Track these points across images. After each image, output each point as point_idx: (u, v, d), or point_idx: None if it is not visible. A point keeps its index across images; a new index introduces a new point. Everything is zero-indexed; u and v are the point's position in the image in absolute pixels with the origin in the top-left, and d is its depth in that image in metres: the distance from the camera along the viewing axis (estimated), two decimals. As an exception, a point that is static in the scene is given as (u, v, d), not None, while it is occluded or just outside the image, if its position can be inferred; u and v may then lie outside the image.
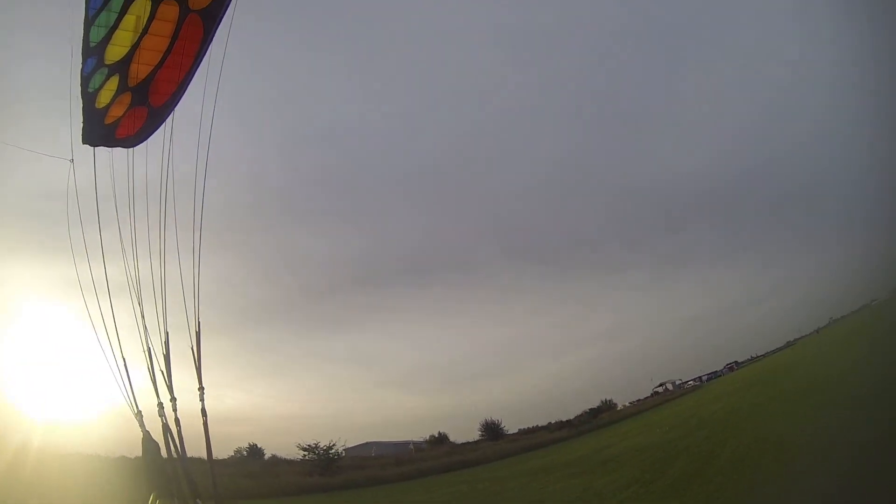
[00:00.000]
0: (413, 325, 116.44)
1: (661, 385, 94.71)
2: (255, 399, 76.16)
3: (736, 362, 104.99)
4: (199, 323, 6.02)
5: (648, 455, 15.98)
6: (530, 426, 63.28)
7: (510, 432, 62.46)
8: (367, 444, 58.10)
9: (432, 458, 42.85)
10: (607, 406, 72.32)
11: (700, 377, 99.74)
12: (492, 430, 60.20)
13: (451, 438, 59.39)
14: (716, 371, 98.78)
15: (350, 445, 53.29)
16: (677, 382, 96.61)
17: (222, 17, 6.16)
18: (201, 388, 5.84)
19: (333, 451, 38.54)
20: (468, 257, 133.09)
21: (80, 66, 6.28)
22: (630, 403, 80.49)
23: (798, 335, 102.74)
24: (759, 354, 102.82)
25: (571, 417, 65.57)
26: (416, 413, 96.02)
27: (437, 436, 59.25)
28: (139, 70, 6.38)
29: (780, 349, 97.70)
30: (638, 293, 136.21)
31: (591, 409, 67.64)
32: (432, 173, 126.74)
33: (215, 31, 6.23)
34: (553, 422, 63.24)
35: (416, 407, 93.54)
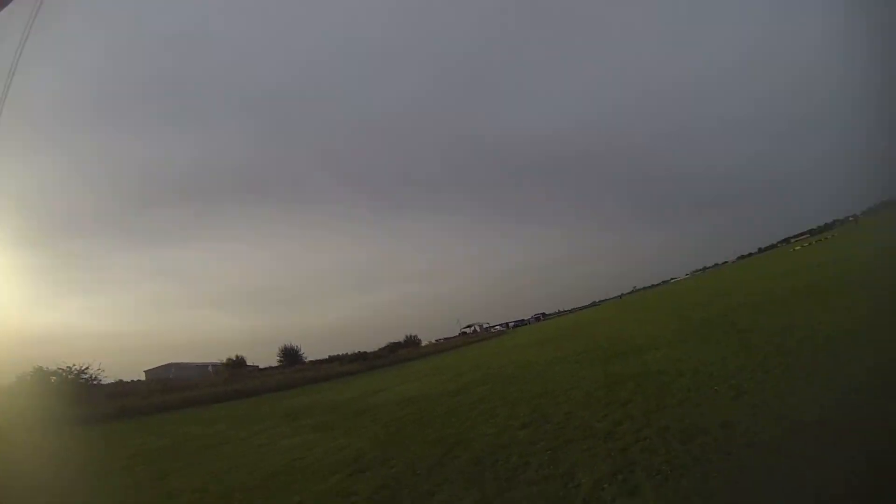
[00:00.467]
0: (238, 243, 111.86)
1: (468, 326, 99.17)
2: (66, 317, 67.88)
3: (543, 314, 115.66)
4: None
5: (403, 410, 13.54)
6: (331, 355, 61.00)
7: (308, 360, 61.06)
8: (168, 365, 55.85)
9: (212, 384, 39.08)
10: (412, 341, 72.73)
11: (507, 323, 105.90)
12: (290, 355, 60.03)
13: (251, 362, 57.59)
14: (523, 319, 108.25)
15: (151, 367, 54.33)
16: (485, 325, 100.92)
17: None
18: None
19: (87, 375, 33.36)
20: (302, 181, 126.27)
21: None
22: (436, 340, 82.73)
23: (604, 297, 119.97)
24: (566, 310, 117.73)
25: (373, 350, 64.70)
26: (233, 335, 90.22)
27: (234, 359, 56.50)
28: None
29: (585, 307, 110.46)
30: (463, 239, 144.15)
31: (392, 343, 67.92)
32: (275, 94, 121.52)
33: None
34: (351, 353, 61.35)
35: (232, 328, 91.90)
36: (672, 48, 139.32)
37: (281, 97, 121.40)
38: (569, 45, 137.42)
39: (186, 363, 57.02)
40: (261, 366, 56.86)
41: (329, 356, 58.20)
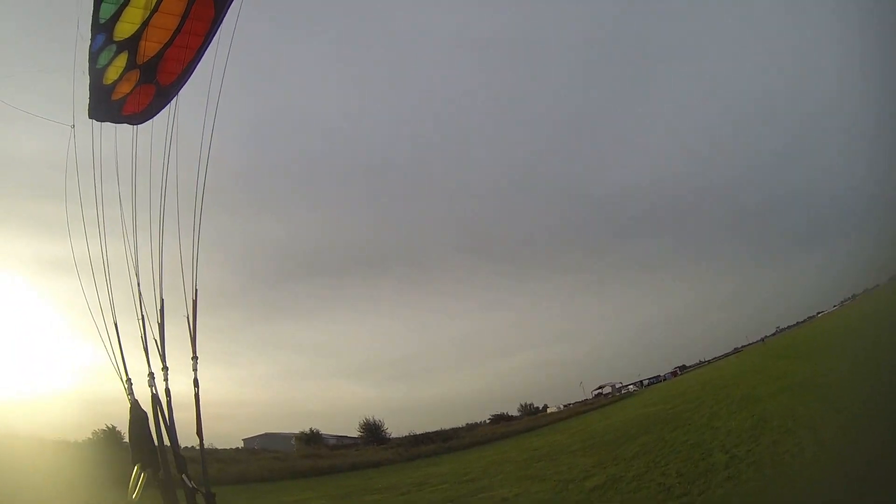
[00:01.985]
0: (367, 316, 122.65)
1: (600, 388, 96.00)
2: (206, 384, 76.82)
3: (681, 367, 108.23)
4: (196, 290, 6.19)
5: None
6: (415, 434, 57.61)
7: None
8: (264, 435, 57.33)
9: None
10: (528, 410, 74.78)
11: (641, 381, 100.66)
12: (371, 430, 57.26)
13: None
14: (658, 375, 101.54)
15: (249, 436, 55.56)
16: (617, 385, 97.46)
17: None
18: (195, 358, 6.00)
19: None
20: (425, 253, 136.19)
21: (90, 42, 6.30)
22: (563, 406, 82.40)
23: (746, 342, 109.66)
24: (706, 360, 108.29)
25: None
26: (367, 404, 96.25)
27: (308, 432, 55.43)
28: (148, 48, 6.46)
29: (727, 355, 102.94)
30: (589, 297, 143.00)
31: (496, 416, 69.11)
32: (394, 168, 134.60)
33: (226, 13, 6.42)
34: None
35: (368, 398, 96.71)
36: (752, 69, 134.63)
37: (394, 168, 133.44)
38: (656, 92, 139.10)
39: (278, 433, 57.66)
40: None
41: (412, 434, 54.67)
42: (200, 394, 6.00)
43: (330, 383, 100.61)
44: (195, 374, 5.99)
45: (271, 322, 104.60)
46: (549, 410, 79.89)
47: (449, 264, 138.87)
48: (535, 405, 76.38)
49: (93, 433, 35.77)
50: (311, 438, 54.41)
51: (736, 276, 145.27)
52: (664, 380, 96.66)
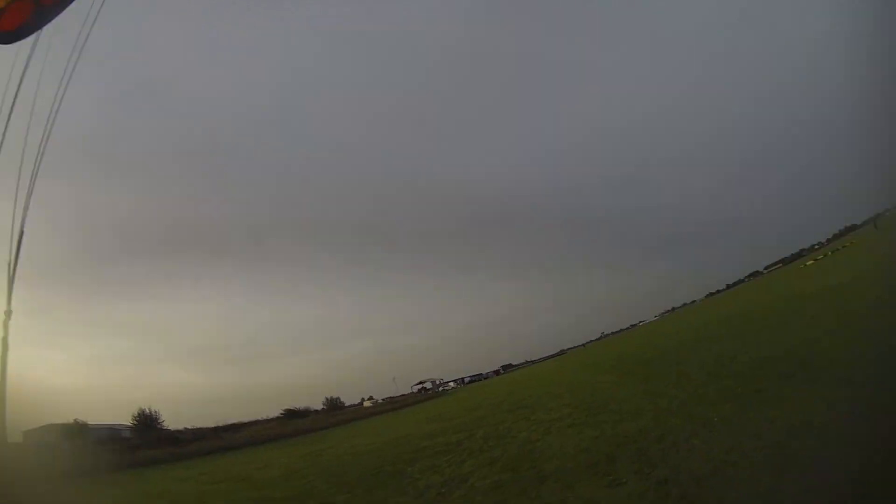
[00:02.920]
0: (205, 298, 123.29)
1: (420, 383, 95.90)
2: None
3: (507, 366, 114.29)
4: (21, 232, 5.61)
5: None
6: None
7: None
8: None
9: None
10: (334, 404, 71.56)
11: (462, 379, 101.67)
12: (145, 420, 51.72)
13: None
14: (480, 373, 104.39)
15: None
16: (437, 382, 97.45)
17: None
18: (9, 312, 5.27)
19: None
20: (261, 236, 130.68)
21: None
22: (381, 400, 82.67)
23: (570, 345, 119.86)
24: (534, 359, 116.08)
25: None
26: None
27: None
28: None
29: (552, 356, 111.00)
30: (429, 294, 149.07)
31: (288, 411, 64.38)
32: (236, 148, 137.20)
33: None
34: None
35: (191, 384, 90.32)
36: (621, 87, 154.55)
37: (235, 151, 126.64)
38: (516, 90, 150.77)
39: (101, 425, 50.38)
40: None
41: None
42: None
43: (157, 368, 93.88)
44: (4, 333, 5.25)
45: (98, 301, 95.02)
46: (364, 404, 79.46)
47: (290, 248, 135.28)
48: (341, 399, 73.61)
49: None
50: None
51: (568, 281, 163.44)
52: (486, 378, 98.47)
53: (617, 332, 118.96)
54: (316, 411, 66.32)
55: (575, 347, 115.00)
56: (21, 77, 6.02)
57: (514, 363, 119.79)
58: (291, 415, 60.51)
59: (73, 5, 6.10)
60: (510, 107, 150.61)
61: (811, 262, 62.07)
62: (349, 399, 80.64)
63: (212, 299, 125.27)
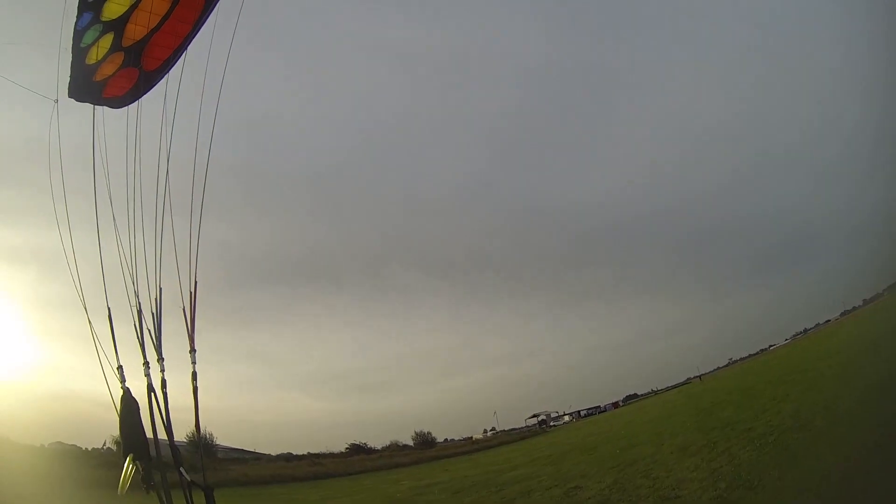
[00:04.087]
0: (319, 329, 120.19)
1: (534, 416, 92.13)
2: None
3: (631, 396, 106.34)
4: (195, 282, 6.12)
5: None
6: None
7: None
8: None
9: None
10: (425, 439, 67.33)
11: (579, 411, 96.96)
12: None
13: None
14: (598, 406, 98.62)
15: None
16: (553, 415, 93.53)
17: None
18: (193, 350, 5.92)
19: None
20: (376, 269, 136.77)
21: (76, 19, 6.21)
22: (489, 433, 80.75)
23: (696, 373, 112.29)
24: (658, 389, 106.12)
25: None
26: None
27: None
28: (135, 31, 6.44)
29: (679, 385, 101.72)
30: (538, 321, 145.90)
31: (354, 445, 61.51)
32: (345, 179, 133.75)
33: (217, 1, 6.50)
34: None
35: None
36: (719, 83, 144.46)
37: (352, 180, 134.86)
38: (612, 103, 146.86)
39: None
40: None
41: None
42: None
43: (278, 394, 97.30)
44: (194, 368, 5.90)
45: (222, 329, 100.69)
46: (474, 438, 76.33)
47: (402, 280, 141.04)
48: (431, 434, 68.70)
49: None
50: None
51: (686, 304, 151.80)
52: (604, 410, 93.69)
53: (745, 357, 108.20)
54: (405, 446, 63.44)
55: (701, 375, 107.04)
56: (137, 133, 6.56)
57: (638, 393, 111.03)
58: (356, 450, 57.72)
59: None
60: (607, 121, 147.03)
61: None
62: (465, 432, 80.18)
63: (330, 328, 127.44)
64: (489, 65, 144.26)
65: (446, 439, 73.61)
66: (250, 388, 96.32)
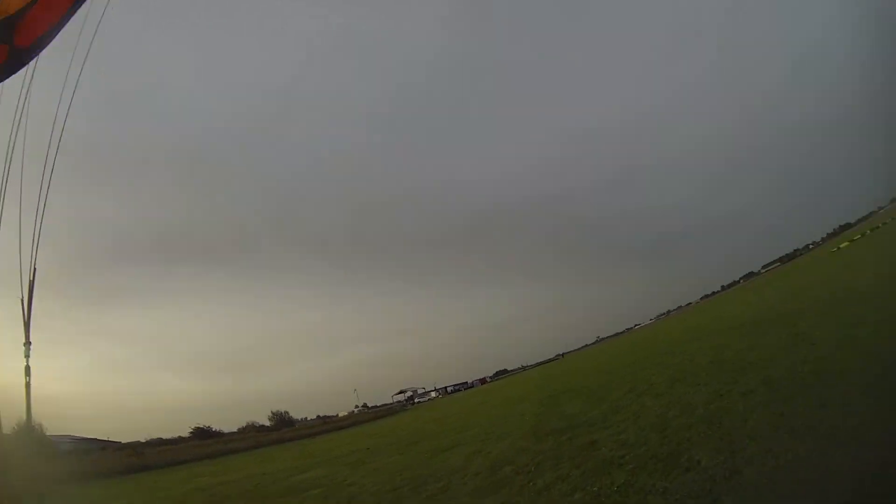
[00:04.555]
0: (196, 305, 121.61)
1: (401, 392, 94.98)
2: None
3: (497, 373, 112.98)
4: (34, 269, 5.66)
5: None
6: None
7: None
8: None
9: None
10: (284, 420, 66.48)
11: (446, 388, 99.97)
12: None
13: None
14: (465, 382, 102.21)
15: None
16: (420, 391, 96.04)
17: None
18: (28, 343, 5.40)
19: None
20: (249, 245, 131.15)
21: None
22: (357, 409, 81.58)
23: (567, 349, 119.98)
24: (528, 365, 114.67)
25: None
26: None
27: None
28: (7, 4, 5.68)
29: (550, 360, 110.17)
30: (414, 301, 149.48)
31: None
32: (220, 156, 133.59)
33: None
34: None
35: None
36: (607, 90, 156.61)
37: (229, 158, 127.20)
38: (507, 97, 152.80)
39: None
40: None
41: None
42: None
43: (154, 376, 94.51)
44: (27, 361, 5.35)
45: (93, 308, 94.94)
46: (339, 415, 76.75)
47: (272, 259, 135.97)
48: (289, 414, 67.98)
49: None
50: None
51: (566, 286, 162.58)
52: (471, 386, 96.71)
53: (613, 335, 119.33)
54: (262, 427, 61.37)
55: (563, 354, 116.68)
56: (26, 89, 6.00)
57: (509, 369, 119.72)
58: (200, 434, 53.64)
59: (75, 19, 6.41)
60: (499, 113, 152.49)
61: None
62: (337, 409, 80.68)
63: (204, 307, 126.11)
64: (381, 49, 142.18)
65: (304, 418, 73.24)
66: (116, 370, 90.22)
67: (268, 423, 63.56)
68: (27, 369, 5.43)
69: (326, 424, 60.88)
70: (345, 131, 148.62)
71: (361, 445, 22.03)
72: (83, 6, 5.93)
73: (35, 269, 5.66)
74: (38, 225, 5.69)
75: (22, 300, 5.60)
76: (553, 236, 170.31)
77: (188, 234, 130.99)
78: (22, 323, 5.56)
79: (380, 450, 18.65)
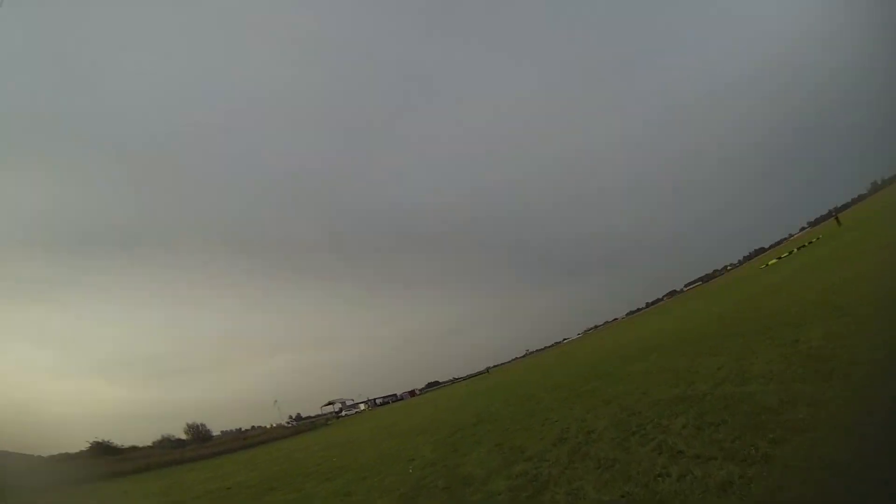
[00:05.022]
0: (110, 304, 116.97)
1: (329, 403, 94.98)
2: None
3: (429, 385, 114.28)
4: None
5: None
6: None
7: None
8: None
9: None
10: (200, 433, 62.46)
11: (374, 400, 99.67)
12: None
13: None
14: (395, 394, 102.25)
15: None
16: (349, 402, 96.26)
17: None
18: None
19: None
20: (178, 241, 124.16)
21: None
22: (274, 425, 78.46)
23: (497, 362, 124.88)
24: (458, 377, 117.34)
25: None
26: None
27: None
28: None
29: (477, 374, 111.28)
30: (354, 307, 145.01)
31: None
32: (163, 152, 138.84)
33: None
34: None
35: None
36: (556, 124, 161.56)
37: (160, 151, 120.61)
38: (452, 116, 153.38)
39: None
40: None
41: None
42: None
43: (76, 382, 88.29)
44: None
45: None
46: (269, 426, 74.24)
47: (209, 257, 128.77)
48: (207, 428, 63.93)
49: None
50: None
51: (508, 298, 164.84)
52: (400, 399, 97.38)
53: (541, 349, 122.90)
54: (178, 440, 56.71)
55: (489, 368, 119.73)
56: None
57: (440, 381, 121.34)
58: (101, 450, 47.58)
59: None
60: (449, 136, 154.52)
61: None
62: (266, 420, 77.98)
63: (118, 307, 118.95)
64: (346, 54, 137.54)
65: (222, 431, 69.45)
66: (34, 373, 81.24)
67: (184, 437, 58.84)
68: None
69: (237, 441, 54.54)
70: (274, 132, 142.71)
71: (230, 481, 18.45)
72: None
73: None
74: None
75: None
76: (496, 254, 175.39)
77: (105, 229, 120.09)
78: None
79: (238, 491, 15.61)
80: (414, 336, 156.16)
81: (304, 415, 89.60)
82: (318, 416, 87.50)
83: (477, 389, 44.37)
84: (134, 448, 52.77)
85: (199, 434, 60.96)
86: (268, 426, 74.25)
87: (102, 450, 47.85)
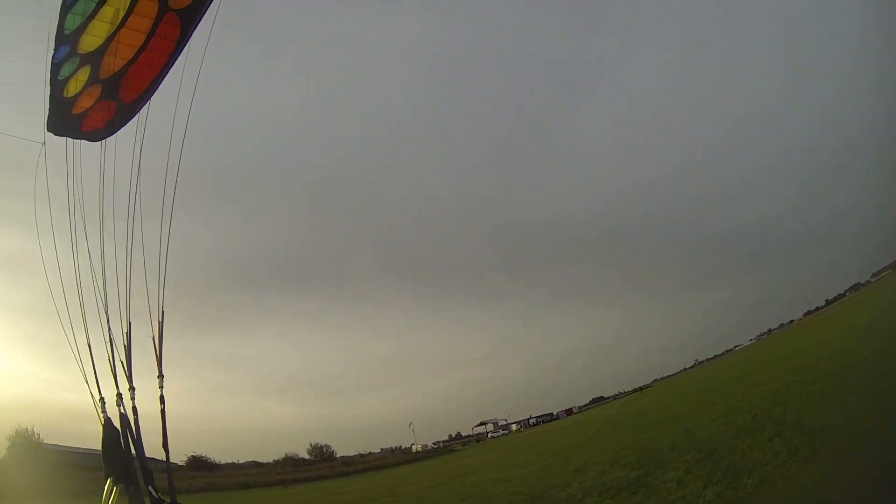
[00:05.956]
0: (290, 332, 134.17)
1: (481, 423, 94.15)
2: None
3: (579, 406, 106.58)
4: (162, 312, 6.68)
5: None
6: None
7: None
8: None
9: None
10: (325, 454, 64.84)
11: (528, 419, 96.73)
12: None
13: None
14: (550, 413, 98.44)
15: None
16: (501, 422, 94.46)
17: (200, 19, 6.50)
18: (161, 376, 6.59)
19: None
20: (349, 270, 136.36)
21: (53, 52, 6.60)
22: (431, 445, 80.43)
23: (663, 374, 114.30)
24: (624, 391, 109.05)
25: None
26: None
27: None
28: (112, 63, 6.58)
29: (643, 388, 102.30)
30: (517, 323, 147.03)
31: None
32: (325, 185, 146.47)
33: (192, 33, 6.60)
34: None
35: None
36: (686, 113, 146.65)
37: (325, 185, 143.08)
38: (595, 124, 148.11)
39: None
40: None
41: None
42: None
43: (249, 400, 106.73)
44: (161, 392, 6.59)
45: (192, 335, 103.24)
46: (414, 449, 75.65)
47: (375, 284, 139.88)
48: (331, 448, 65.90)
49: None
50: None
51: (661, 306, 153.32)
52: (556, 418, 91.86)
53: (711, 358, 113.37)
54: (302, 460, 60.15)
55: (665, 378, 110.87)
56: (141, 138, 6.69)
57: (605, 395, 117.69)
58: (196, 465, 50.97)
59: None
60: (595, 143, 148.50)
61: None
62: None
63: (293, 336, 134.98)
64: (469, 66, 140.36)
65: (357, 454, 72.72)
66: (220, 394, 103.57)
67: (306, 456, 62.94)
68: (161, 398, 6.54)
69: (349, 466, 56.14)
70: (431, 160, 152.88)
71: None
72: (180, 59, 6.68)
73: (163, 311, 6.61)
74: (162, 272, 6.52)
75: (153, 339, 6.66)
76: (651, 255, 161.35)
77: (280, 265, 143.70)
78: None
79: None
80: (576, 350, 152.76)
81: (462, 434, 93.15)
82: (469, 436, 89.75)
83: (620, 414, 39.89)
84: (233, 465, 57.63)
85: (321, 454, 63.58)
86: (415, 448, 75.03)
87: (197, 465, 51.65)
